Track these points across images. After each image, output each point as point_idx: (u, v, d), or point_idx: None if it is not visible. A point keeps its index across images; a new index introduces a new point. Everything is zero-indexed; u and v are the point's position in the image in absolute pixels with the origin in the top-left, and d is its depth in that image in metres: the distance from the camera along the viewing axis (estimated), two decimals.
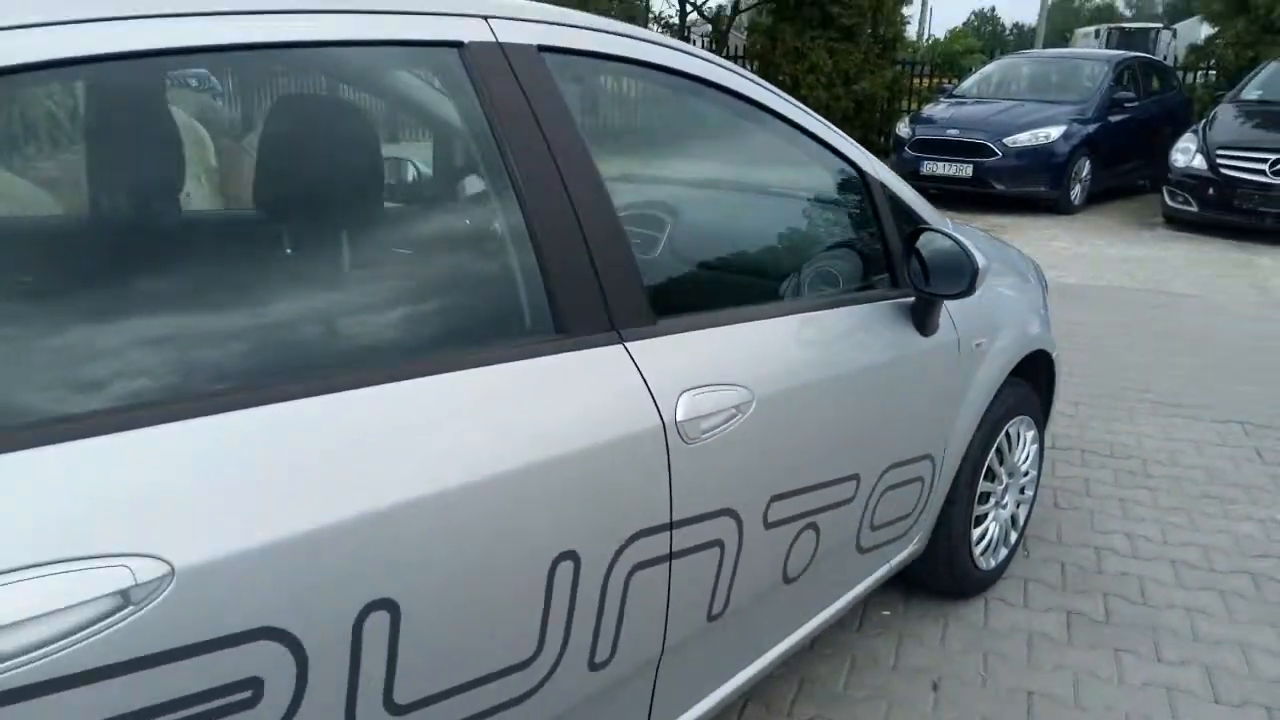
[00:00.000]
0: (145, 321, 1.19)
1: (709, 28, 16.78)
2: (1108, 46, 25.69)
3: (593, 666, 1.51)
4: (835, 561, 2.09)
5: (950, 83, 13.16)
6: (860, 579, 2.26)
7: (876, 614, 2.68)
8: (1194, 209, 8.74)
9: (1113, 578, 2.88)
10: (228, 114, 2.55)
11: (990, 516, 2.71)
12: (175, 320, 1.21)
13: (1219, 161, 8.56)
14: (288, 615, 1.09)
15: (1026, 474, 2.85)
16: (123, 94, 1.33)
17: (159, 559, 0.99)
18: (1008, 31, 70.19)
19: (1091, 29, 33.46)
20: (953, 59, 19.22)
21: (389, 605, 1.19)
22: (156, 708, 1.00)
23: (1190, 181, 8.75)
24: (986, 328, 2.44)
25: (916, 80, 14.65)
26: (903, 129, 10.49)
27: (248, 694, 1.07)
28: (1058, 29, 42.82)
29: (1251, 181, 8.34)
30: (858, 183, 2.15)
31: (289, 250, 1.48)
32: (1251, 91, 9.74)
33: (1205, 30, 15.89)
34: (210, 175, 4.70)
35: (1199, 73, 13.90)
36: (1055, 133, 9.41)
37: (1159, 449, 3.84)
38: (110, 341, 1.15)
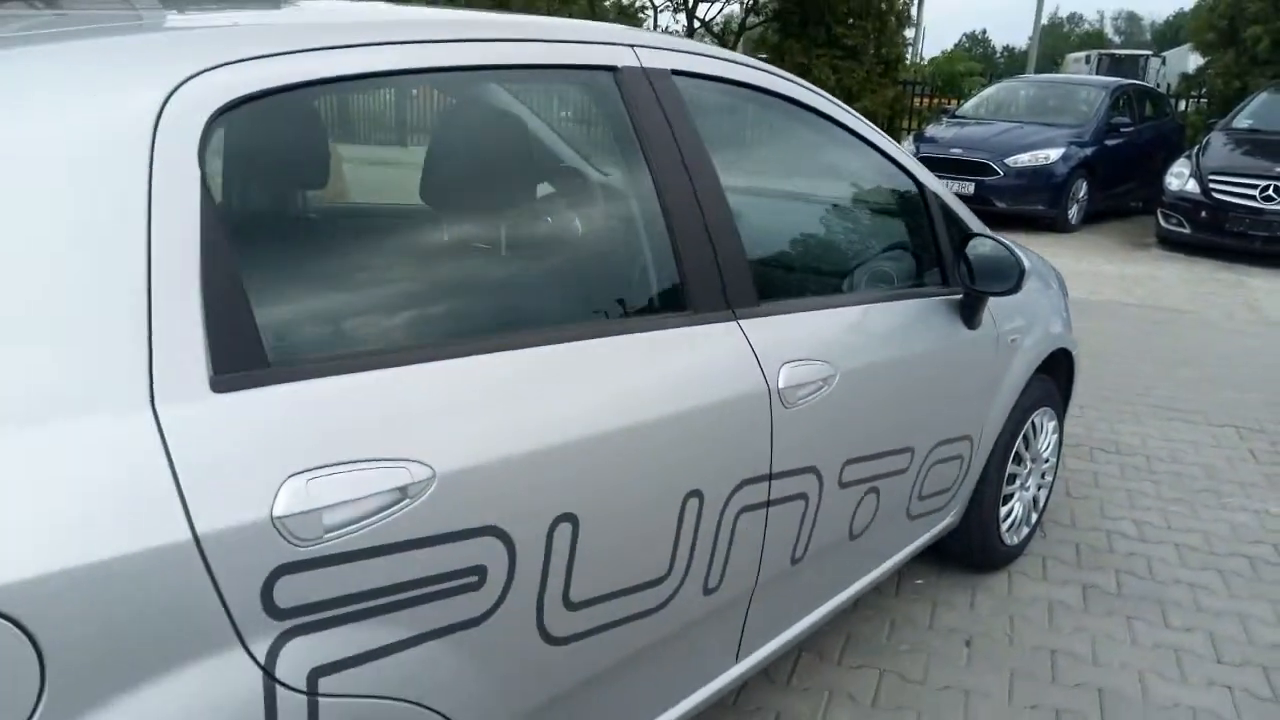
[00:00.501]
0: (432, 284, 1.57)
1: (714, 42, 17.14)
2: (1098, 72, 26.17)
3: (705, 591, 1.78)
4: (889, 525, 2.37)
5: (951, 104, 13.52)
6: (907, 543, 2.54)
7: (911, 582, 2.95)
8: (1186, 231, 9.10)
9: (1122, 557, 3.17)
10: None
11: (1015, 497, 3.00)
12: (451, 283, 1.59)
13: (1211, 186, 8.92)
14: (508, 518, 1.37)
15: (1047, 461, 3.14)
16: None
17: (425, 464, 1.26)
18: (998, 54, 71.02)
19: (1082, 54, 33.97)
20: (953, 80, 19.62)
21: (572, 519, 1.46)
22: (415, 582, 1.27)
23: (1183, 204, 9.11)
24: (1020, 325, 2.73)
25: (916, 100, 15.03)
26: (907, 147, 10.83)
27: (474, 579, 1.34)
28: (1047, 53, 43.46)
29: (1242, 206, 8.70)
30: (917, 194, 2.45)
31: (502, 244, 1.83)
32: (1243, 120, 10.12)
33: (1194, 59, 16.34)
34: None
35: (1190, 100, 14.32)
36: (1055, 154, 9.76)
37: (1161, 448, 4.14)
38: (405, 298, 1.48)
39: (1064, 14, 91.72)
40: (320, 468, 1.17)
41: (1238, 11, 12.80)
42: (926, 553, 2.77)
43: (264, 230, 1.70)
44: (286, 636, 1.15)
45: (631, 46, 1.77)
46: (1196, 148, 9.70)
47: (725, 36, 16.84)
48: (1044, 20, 29.91)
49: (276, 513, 1.12)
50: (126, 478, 1.03)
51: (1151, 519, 3.45)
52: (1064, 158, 9.78)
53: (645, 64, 1.77)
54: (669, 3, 15.38)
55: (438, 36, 1.48)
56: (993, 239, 2.38)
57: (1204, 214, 8.92)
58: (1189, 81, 15.27)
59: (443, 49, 1.48)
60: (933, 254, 2.45)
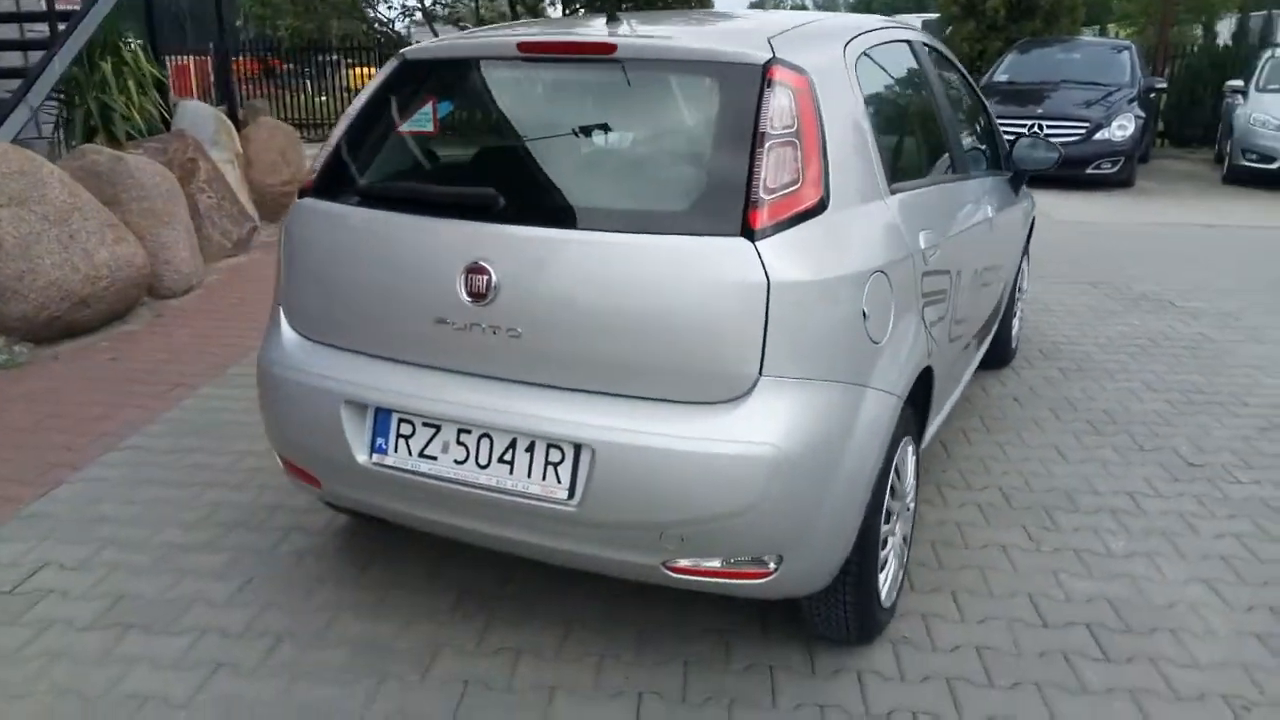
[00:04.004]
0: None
1: None
2: None
3: (970, 324, 3.34)
4: (978, 342, 3.94)
5: None
6: (969, 369, 4.11)
7: None
8: None
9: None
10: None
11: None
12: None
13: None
14: (955, 267, 2.87)
15: (1023, 290, 4.92)
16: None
17: (935, 233, 2.75)
18: None
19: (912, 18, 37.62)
20: None
21: (956, 275, 2.97)
22: (935, 292, 2.76)
23: None
24: (1028, 199, 4.46)
25: None
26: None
27: (944, 293, 2.84)
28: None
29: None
30: (987, 117, 4.08)
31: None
32: (1000, 75, 12.67)
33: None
34: (237, 154, 6.99)
35: None
36: None
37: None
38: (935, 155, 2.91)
39: None
40: (924, 231, 2.63)
41: None
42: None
43: (888, 119, 2.83)
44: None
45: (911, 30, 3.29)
46: None
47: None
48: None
49: (921, 245, 2.58)
50: (884, 226, 2.44)
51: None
52: None
53: (920, 39, 3.30)
54: None
55: (893, 25, 2.94)
56: (1037, 138, 4.06)
57: None
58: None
59: (899, 31, 2.95)
60: (997, 150, 4.10)
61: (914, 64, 3.25)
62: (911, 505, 2.80)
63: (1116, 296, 6.30)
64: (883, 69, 2.86)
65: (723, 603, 2.71)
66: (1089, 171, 11.15)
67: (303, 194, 2.61)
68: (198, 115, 7.29)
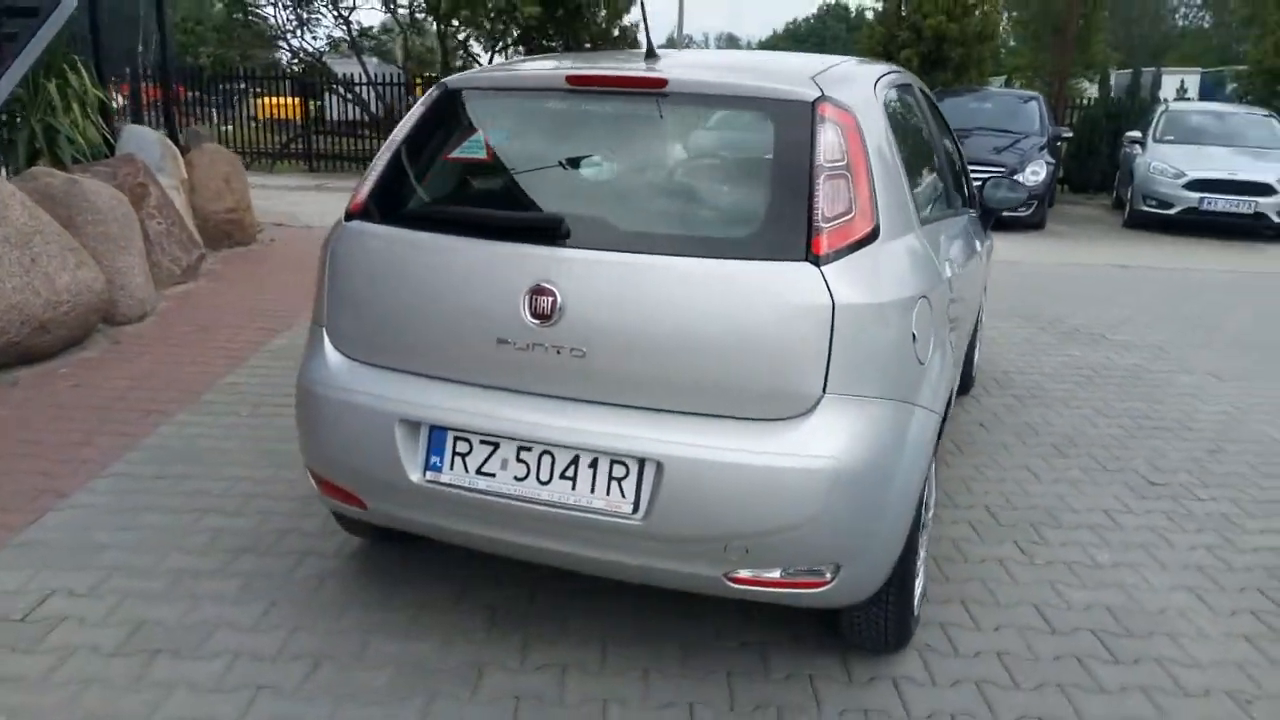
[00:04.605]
0: None
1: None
2: None
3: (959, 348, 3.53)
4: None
5: None
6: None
7: None
8: None
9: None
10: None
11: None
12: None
13: None
14: (960, 296, 3.04)
15: (982, 322, 5.17)
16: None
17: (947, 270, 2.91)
18: None
19: None
20: None
21: (961, 305, 3.15)
22: (956, 317, 2.92)
23: None
24: (990, 237, 4.70)
25: None
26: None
27: (958, 319, 3.01)
28: None
29: None
30: (960, 159, 4.31)
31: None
32: None
33: None
34: (182, 180, 7.03)
35: None
36: None
37: None
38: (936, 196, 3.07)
39: (675, 35, 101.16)
40: (946, 261, 2.80)
41: (890, 39, 16.24)
42: None
43: (908, 156, 2.92)
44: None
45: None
46: None
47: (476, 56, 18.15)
48: (661, 40, 33.94)
49: (947, 275, 2.75)
50: (922, 255, 2.60)
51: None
52: None
53: (915, 82, 3.49)
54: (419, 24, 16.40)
55: (897, 69, 3.12)
56: (1006, 180, 4.30)
57: None
58: None
59: (905, 74, 3.12)
60: (969, 189, 4.33)
61: (918, 105, 3.45)
62: (931, 519, 2.94)
63: (1051, 330, 6.64)
64: (901, 109, 3.04)
65: (754, 616, 2.80)
66: (1005, 214, 11.67)
67: (349, 217, 2.63)
68: (143, 140, 7.13)
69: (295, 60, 16.92)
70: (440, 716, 2.39)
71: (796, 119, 2.36)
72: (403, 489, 2.45)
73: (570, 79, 2.57)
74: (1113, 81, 18.23)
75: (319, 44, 16.87)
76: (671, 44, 33.08)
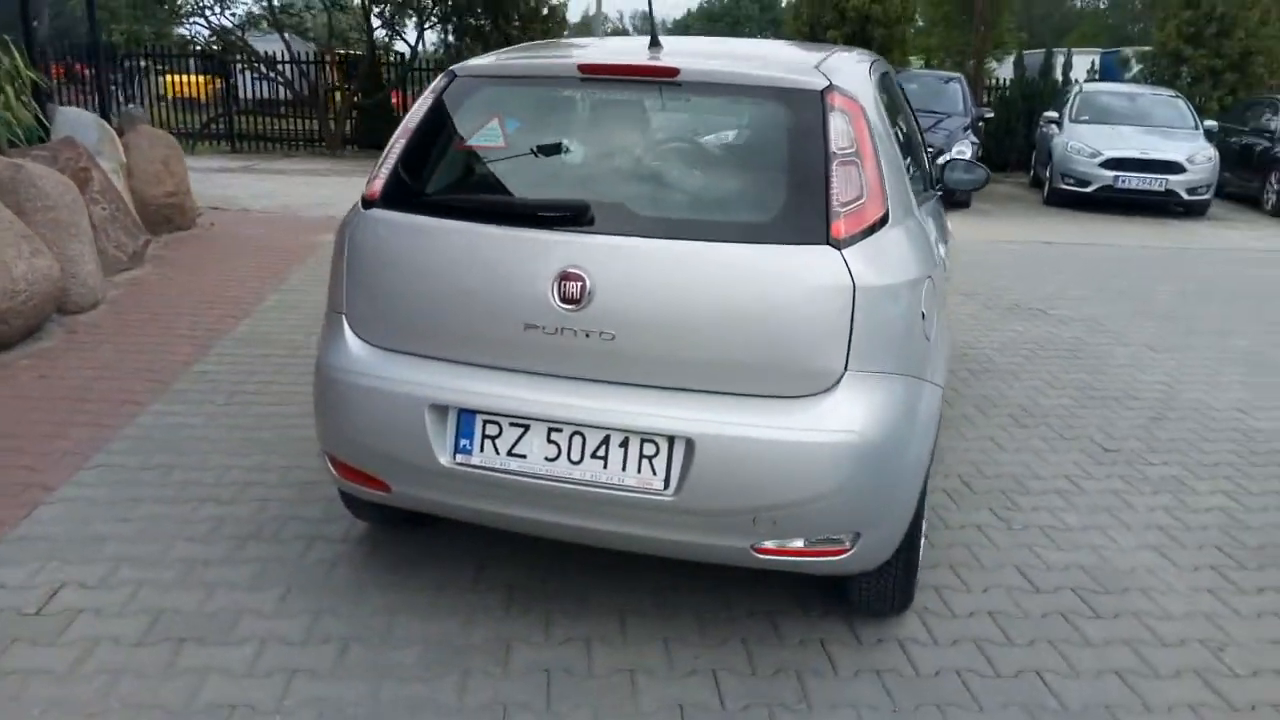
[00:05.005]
0: None
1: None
2: None
3: None
4: None
5: None
6: None
7: None
8: None
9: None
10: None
11: None
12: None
13: None
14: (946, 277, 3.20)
15: None
16: None
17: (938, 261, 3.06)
18: None
19: None
20: None
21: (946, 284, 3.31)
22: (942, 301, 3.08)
23: None
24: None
25: None
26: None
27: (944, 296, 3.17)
28: None
29: None
30: (923, 139, 4.48)
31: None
32: None
33: None
34: (121, 163, 7.01)
35: None
36: None
37: None
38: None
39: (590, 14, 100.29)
40: (940, 243, 2.94)
41: (816, 19, 16.48)
42: None
43: (899, 141, 3.03)
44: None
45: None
46: None
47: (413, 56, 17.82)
48: (577, 18, 33.87)
49: (941, 255, 2.89)
50: (923, 238, 2.73)
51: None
52: None
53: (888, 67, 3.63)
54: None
55: (874, 56, 3.24)
56: (964, 161, 4.49)
57: None
58: None
59: (884, 63, 3.24)
60: (934, 173, 4.50)
61: (896, 90, 3.59)
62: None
63: (993, 306, 6.92)
64: (887, 95, 3.17)
65: (759, 585, 2.93)
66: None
67: (367, 205, 2.66)
68: (79, 123, 6.92)
69: (213, 37, 16.41)
70: (477, 691, 2.46)
71: (807, 107, 2.46)
72: (432, 472, 2.50)
73: (581, 67, 2.64)
74: (1026, 62, 18.82)
75: (236, 20, 16.36)
76: (586, 23, 32.75)
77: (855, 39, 16.41)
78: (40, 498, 3.38)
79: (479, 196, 2.63)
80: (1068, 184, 12.70)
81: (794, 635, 2.75)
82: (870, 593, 2.73)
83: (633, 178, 2.62)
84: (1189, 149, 12.47)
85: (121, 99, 15.92)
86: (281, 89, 16.51)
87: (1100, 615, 2.92)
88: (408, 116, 2.74)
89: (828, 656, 2.66)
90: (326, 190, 11.53)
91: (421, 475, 2.54)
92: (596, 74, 2.65)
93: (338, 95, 16.58)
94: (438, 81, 2.78)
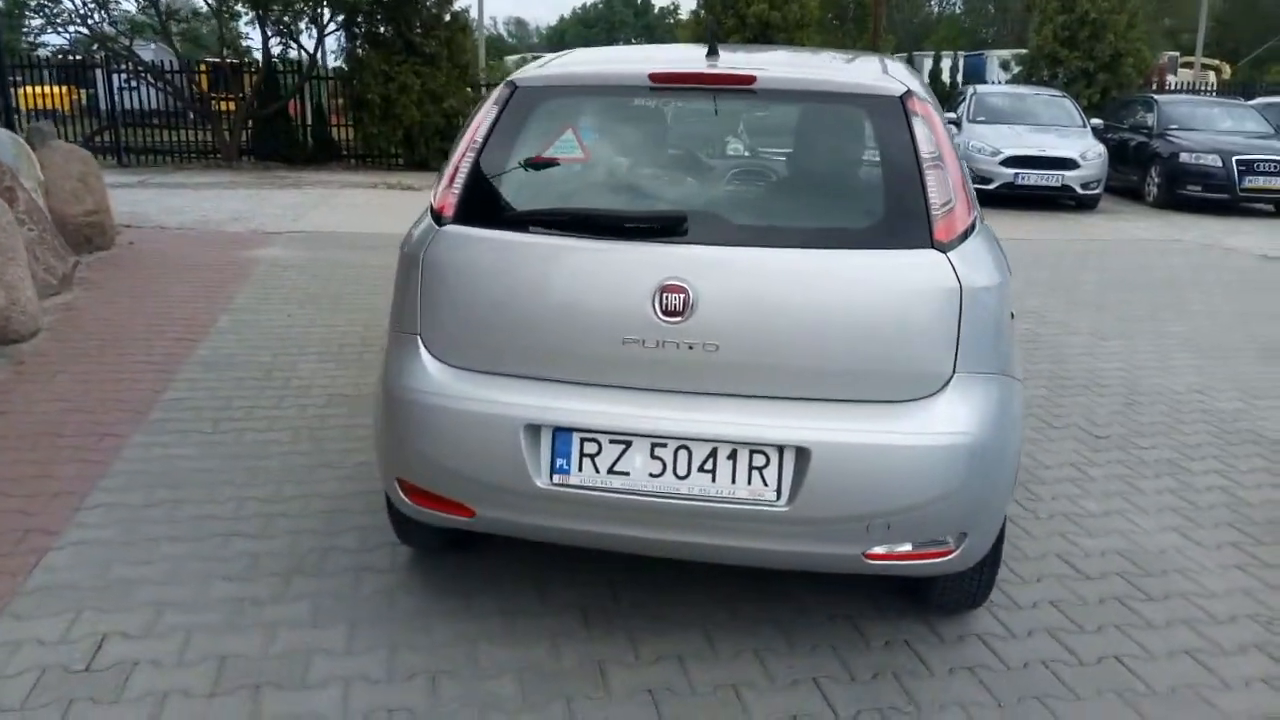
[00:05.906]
0: None
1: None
2: None
3: None
4: None
5: None
6: None
7: None
8: None
9: None
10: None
11: None
12: None
13: None
14: None
15: None
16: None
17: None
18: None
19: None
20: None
21: None
22: None
23: None
24: None
25: None
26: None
27: None
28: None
29: None
30: None
31: None
32: None
33: None
34: (39, 181, 6.81)
35: None
36: None
37: None
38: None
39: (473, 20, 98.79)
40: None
41: (717, 24, 16.70)
42: None
43: None
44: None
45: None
46: None
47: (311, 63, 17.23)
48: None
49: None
50: (995, 241, 2.76)
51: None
52: None
53: None
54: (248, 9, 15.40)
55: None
56: None
57: None
58: None
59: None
60: None
61: None
62: None
63: None
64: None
65: (826, 589, 2.94)
66: None
67: (440, 222, 2.55)
68: None
69: (96, 45, 15.56)
70: (588, 715, 2.40)
71: (890, 113, 2.48)
72: (525, 494, 2.43)
73: (653, 77, 2.59)
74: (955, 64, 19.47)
75: (117, 28, 15.53)
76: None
77: (756, 44, 16.75)
78: (46, 544, 3.14)
79: (569, 209, 2.55)
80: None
81: (879, 637, 2.77)
82: (952, 590, 2.76)
83: (720, 187, 2.60)
84: (1081, 146, 13.11)
85: None
86: (170, 99, 15.78)
87: (1152, 597, 3.03)
88: (471, 130, 2.64)
89: (918, 656, 2.68)
90: (237, 204, 11.08)
91: (513, 498, 2.45)
92: (669, 83, 2.61)
93: (231, 105, 15.94)
94: (498, 93, 2.69)
